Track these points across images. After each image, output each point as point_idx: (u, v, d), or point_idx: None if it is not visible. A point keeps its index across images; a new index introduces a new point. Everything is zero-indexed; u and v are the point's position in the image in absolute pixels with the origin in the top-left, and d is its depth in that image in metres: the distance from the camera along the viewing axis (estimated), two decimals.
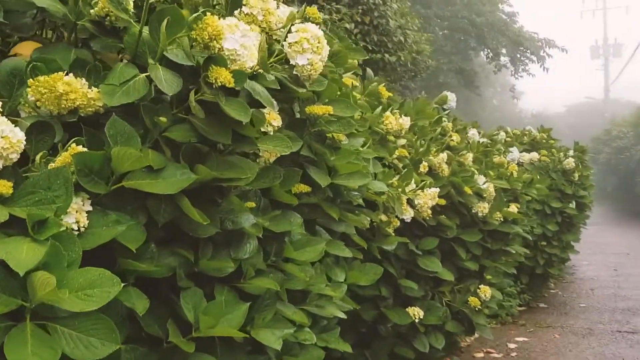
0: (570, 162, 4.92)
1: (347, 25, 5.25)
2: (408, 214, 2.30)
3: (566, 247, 5.20)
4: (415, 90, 11.00)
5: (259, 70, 1.23)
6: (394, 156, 2.35)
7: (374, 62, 5.45)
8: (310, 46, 1.26)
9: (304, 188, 1.53)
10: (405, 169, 2.22)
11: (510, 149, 3.94)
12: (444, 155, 2.53)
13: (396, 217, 2.30)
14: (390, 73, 6.08)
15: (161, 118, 1.06)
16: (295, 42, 1.26)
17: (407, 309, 2.40)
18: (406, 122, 2.31)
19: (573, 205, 4.92)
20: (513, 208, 2.97)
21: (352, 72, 2.17)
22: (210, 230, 1.12)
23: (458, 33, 16.69)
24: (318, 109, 1.52)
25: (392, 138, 2.24)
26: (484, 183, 2.80)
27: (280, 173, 1.34)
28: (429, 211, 2.27)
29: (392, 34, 5.72)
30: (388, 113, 2.15)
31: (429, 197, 2.16)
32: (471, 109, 27.68)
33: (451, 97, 3.54)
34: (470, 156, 2.90)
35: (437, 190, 2.21)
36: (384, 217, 2.21)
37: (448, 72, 16.76)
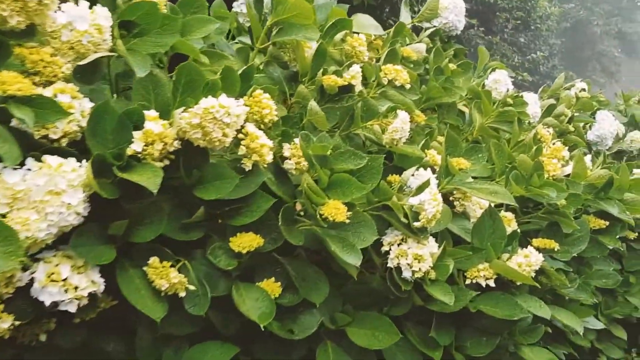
0: None
1: None
2: None
3: None
4: (542, 57, 8.54)
5: None
6: None
7: None
8: None
9: None
10: None
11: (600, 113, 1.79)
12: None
13: None
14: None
15: None
16: None
17: None
18: None
19: None
20: (530, 254, 1.05)
21: None
22: None
23: None
24: None
25: None
26: (413, 175, 0.94)
27: None
28: None
29: None
30: None
31: None
32: None
33: None
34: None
35: None
36: None
37: (605, 37, 13.63)
